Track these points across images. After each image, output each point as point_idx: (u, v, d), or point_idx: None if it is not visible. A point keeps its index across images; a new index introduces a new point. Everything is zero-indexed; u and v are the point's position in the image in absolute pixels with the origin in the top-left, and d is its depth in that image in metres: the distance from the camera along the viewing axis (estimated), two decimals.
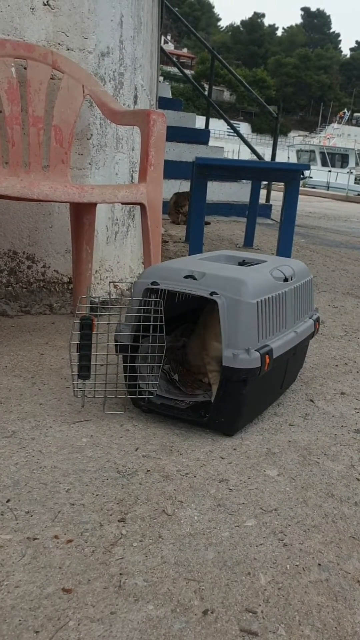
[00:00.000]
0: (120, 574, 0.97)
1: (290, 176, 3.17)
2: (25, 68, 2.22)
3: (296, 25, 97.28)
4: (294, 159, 34.35)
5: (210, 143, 8.58)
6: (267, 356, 1.40)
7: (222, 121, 8.88)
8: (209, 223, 6.41)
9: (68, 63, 2.28)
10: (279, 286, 1.51)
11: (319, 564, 1.04)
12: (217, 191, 7.55)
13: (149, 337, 1.48)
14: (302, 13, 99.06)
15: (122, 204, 2.02)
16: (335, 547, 1.09)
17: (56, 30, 2.36)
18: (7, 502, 1.14)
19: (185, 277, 1.44)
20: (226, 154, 30.68)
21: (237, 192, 7.64)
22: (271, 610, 0.92)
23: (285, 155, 38.14)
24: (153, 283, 1.45)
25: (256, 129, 54.42)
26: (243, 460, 1.38)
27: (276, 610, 0.92)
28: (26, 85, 2.21)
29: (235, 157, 30.52)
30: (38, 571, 0.96)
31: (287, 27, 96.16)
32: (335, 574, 1.02)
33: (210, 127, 9.06)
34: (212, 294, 1.38)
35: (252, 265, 1.62)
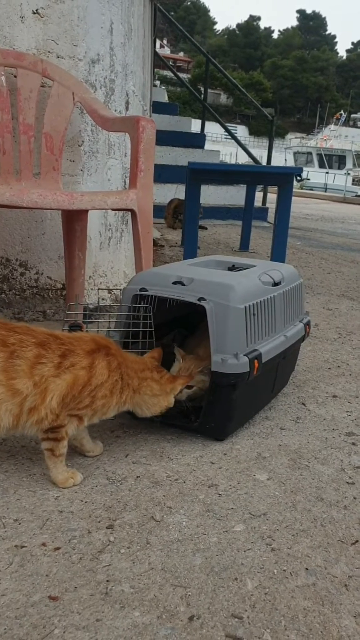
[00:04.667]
0: (107, 580, 0.98)
1: (283, 180, 3.18)
2: (15, 76, 2.23)
3: (292, 27, 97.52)
4: (291, 161, 34.40)
5: (208, 146, 8.61)
6: (256, 361, 1.40)
7: (217, 125, 8.91)
8: (205, 228, 6.42)
9: (58, 71, 2.29)
10: (267, 291, 1.52)
11: (307, 569, 1.04)
12: (214, 195, 7.56)
13: (138, 343, 1.48)
14: (298, 15, 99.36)
15: (113, 210, 2.02)
16: (323, 551, 1.09)
17: (46, 38, 2.36)
18: None
19: (174, 283, 1.44)
20: (224, 157, 30.72)
21: (233, 195, 7.65)
22: (257, 615, 0.92)
23: (282, 157, 38.19)
24: (142, 289, 1.46)
25: (253, 132, 54.53)
26: (233, 465, 1.38)
27: (262, 616, 0.92)
28: (16, 93, 2.22)
29: (233, 160, 30.58)
30: (25, 579, 0.96)
31: (283, 30, 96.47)
32: (322, 578, 1.02)
33: (207, 130, 9.09)
34: (200, 299, 1.38)
35: (242, 270, 1.63)
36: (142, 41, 3.94)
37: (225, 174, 3.49)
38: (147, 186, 2.00)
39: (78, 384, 1.17)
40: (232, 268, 1.67)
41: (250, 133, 53.87)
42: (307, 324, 1.79)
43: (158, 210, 6.54)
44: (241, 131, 52.49)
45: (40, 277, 2.53)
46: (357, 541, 1.12)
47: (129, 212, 2.02)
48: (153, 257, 4.26)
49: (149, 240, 2.01)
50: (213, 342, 1.37)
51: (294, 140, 47.48)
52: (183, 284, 1.43)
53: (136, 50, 3.32)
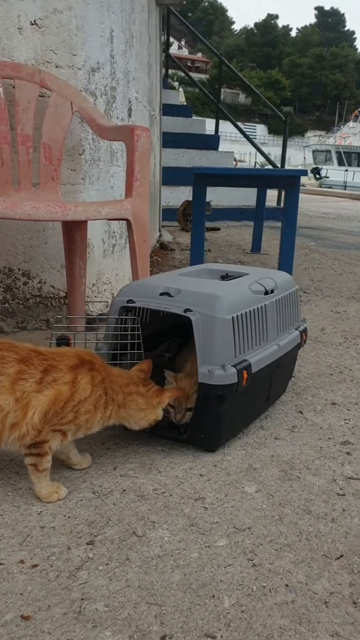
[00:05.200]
0: (82, 599, 0.97)
1: (289, 182, 3.15)
2: (13, 87, 2.24)
3: (310, 25, 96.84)
4: (310, 160, 34.16)
5: (227, 146, 8.58)
6: (245, 371, 1.39)
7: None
8: (218, 229, 6.40)
9: (56, 81, 2.30)
10: (257, 300, 1.50)
11: (287, 585, 1.02)
12: (228, 196, 7.53)
13: (127, 355, 1.47)
14: (316, 12, 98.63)
15: (108, 220, 2.02)
16: (306, 566, 1.07)
17: (44, 48, 2.38)
18: None
19: (161, 294, 1.44)
20: (242, 157, 30.65)
21: (248, 196, 7.60)
22: (231, 634, 0.91)
23: (301, 156, 37.94)
24: (129, 301, 1.45)
25: (273, 131, 54.17)
26: (222, 477, 1.37)
27: (236, 635, 0.91)
28: (14, 104, 2.23)
29: (252, 160, 30.46)
30: None
31: (302, 27, 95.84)
32: (302, 595, 1.00)
33: (225, 130, 9.07)
34: (186, 310, 1.37)
35: (233, 279, 1.61)
36: (148, 46, 3.94)
37: (230, 178, 3.47)
38: (143, 195, 2.00)
39: (60, 399, 1.17)
40: (225, 277, 1.66)
41: (270, 132, 53.56)
42: (304, 332, 1.76)
43: (171, 214, 6.54)
44: (260, 130, 52.29)
45: (44, 286, 2.54)
46: (342, 555, 1.10)
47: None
48: (163, 261, 4.26)
49: (145, 249, 2.00)
50: (199, 354, 1.36)
51: (312, 138, 47.12)
52: (170, 295, 1.42)
53: (139, 57, 3.33)
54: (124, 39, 2.86)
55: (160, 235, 5.37)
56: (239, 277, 1.62)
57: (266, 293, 1.56)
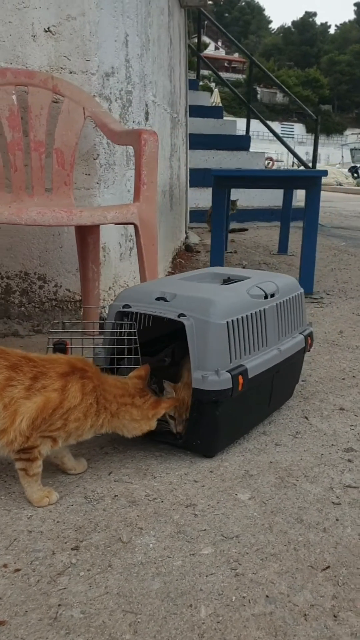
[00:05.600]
0: (59, 605, 0.97)
1: (310, 183, 3.11)
2: (27, 93, 2.27)
3: (349, 21, 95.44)
4: (348, 158, 33.63)
5: (263, 146, 8.54)
6: (240, 376, 1.37)
7: (273, 123, 8.82)
8: (246, 230, 6.36)
9: (68, 86, 2.32)
10: (256, 304, 1.48)
11: (267, 596, 1.00)
12: (258, 197, 7.48)
13: (124, 360, 1.47)
14: (355, 8, 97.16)
15: (115, 224, 2.03)
16: (289, 577, 1.05)
17: (58, 55, 2.40)
18: None
19: (157, 299, 1.43)
20: (279, 157, 30.38)
21: (278, 197, 7.52)
22: None
23: (339, 154, 37.37)
24: (125, 306, 1.45)
25: (310, 129, 53.61)
26: (217, 483, 1.35)
27: None
28: (27, 111, 2.26)
29: (289, 159, 30.15)
30: None
31: (340, 24, 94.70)
32: (282, 606, 0.98)
33: (258, 130, 9.01)
34: (180, 315, 1.36)
35: (235, 282, 1.60)
36: (169, 49, 3.94)
37: (250, 180, 3.44)
38: (151, 199, 2.00)
39: (49, 406, 1.18)
40: (227, 281, 1.64)
41: (308, 131, 52.98)
42: (309, 336, 1.74)
43: (200, 215, 6.54)
44: (298, 129, 51.76)
45: (59, 290, 2.56)
46: (328, 567, 1.08)
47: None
48: (186, 263, 4.26)
49: (153, 252, 2.00)
50: (193, 359, 1.35)
51: (351, 136, 46.42)
52: (166, 300, 1.42)
53: (157, 60, 3.33)
54: (140, 43, 2.87)
55: (186, 237, 5.37)
56: (239, 281, 1.61)
57: (266, 297, 1.54)
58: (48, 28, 2.37)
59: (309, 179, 3.13)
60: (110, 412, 1.28)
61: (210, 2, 5.16)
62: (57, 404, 1.19)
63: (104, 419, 1.27)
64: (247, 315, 1.43)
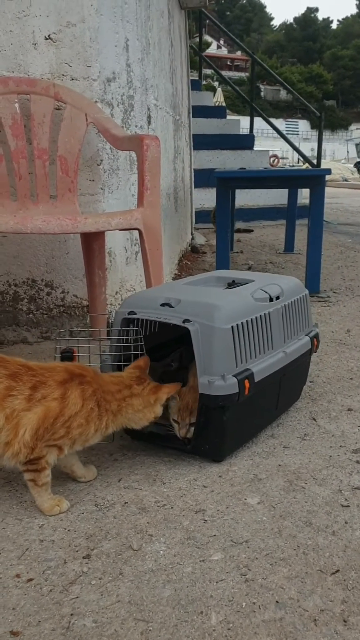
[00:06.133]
0: (72, 614, 0.98)
1: (314, 182, 3.11)
2: (29, 101, 2.28)
3: (351, 15, 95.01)
4: (353, 153, 33.51)
5: (268, 143, 8.54)
6: (246, 381, 1.37)
7: (278, 121, 8.81)
8: (251, 230, 6.36)
9: (70, 93, 2.33)
10: (260, 307, 1.49)
11: (277, 601, 1.01)
12: (264, 196, 7.48)
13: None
14: (357, 2, 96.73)
15: (119, 230, 2.04)
16: (299, 582, 1.06)
17: (59, 61, 2.41)
18: None
19: (162, 304, 1.44)
20: (284, 154, 30.31)
21: (283, 195, 7.51)
22: None
23: (345, 149, 37.23)
24: (130, 313, 1.46)
25: (315, 125, 53.43)
26: (226, 488, 1.36)
27: None
28: (30, 118, 2.27)
29: (294, 156, 30.08)
30: None
31: (342, 19, 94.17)
32: (292, 612, 0.99)
33: (266, 128, 8.97)
34: (185, 321, 1.37)
35: (239, 286, 1.60)
36: (169, 52, 3.95)
37: (254, 180, 3.44)
38: (154, 204, 2.01)
39: (50, 416, 1.19)
40: (232, 284, 1.65)
41: (312, 127, 52.83)
42: (315, 337, 1.74)
43: (205, 216, 6.54)
44: (303, 126, 51.59)
45: (67, 296, 2.57)
46: (337, 570, 1.08)
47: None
48: (193, 265, 4.26)
49: (158, 257, 2.01)
50: (199, 364, 1.36)
51: (355, 131, 46.23)
52: (170, 306, 1.42)
53: (158, 63, 3.34)
54: (141, 47, 2.88)
55: (192, 238, 5.37)
56: (244, 284, 1.61)
57: (271, 300, 1.54)
58: (49, 35, 2.38)
59: (313, 178, 3.13)
60: (112, 411, 1.29)
61: (211, 2, 5.15)
62: (58, 412, 1.20)
63: (107, 420, 1.28)
64: (252, 319, 1.44)
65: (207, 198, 6.88)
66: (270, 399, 1.57)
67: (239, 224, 6.06)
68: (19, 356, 1.29)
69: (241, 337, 1.40)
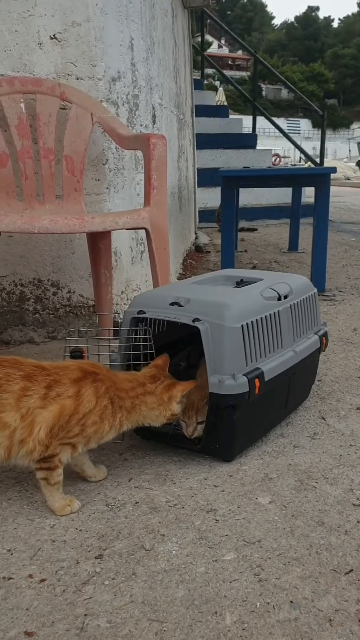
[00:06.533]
0: (85, 614, 0.98)
1: (319, 180, 3.10)
2: (34, 101, 2.28)
3: (352, 14, 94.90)
4: (355, 152, 33.48)
5: (270, 142, 8.54)
6: (256, 380, 1.37)
7: (279, 120, 8.81)
8: (255, 229, 6.35)
9: (76, 93, 2.33)
10: (270, 306, 1.48)
11: (291, 601, 1.00)
12: (266, 194, 7.47)
13: (141, 366, 1.48)
14: (359, 1, 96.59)
15: (126, 229, 2.04)
16: (313, 581, 1.05)
17: (64, 61, 2.41)
18: None
19: (171, 304, 1.43)
20: (286, 153, 30.29)
21: (287, 194, 7.50)
22: None
23: (347, 148, 37.20)
24: (139, 312, 1.45)
25: (317, 124, 53.41)
26: (237, 487, 1.35)
27: None
28: (36, 118, 2.27)
29: (296, 155, 30.07)
30: (5, 613, 0.98)
31: (343, 17, 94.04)
32: (306, 612, 0.98)
33: (267, 127, 8.96)
34: (194, 320, 1.36)
35: (248, 285, 1.60)
36: (173, 51, 3.95)
37: (259, 179, 3.44)
38: (161, 203, 2.00)
39: (65, 413, 1.19)
40: (240, 283, 1.64)
41: (314, 126, 52.79)
42: (324, 336, 1.73)
43: (209, 215, 6.53)
44: (304, 125, 51.56)
45: (73, 296, 2.57)
46: (351, 570, 1.08)
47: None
48: (197, 264, 4.26)
49: (165, 256, 2.01)
50: (209, 363, 1.35)
51: (357, 130, 46.18)
52: (180, 305, 1.42)
53: (162, 63, 3.33)
54: (145, 46, 2.87)
55: (196, 238, 5.37)
56: (252, 283, 1.60)
57: (279, 299, 1.54)
58: (54, 35, 2.37)
59: (318, 176, 3.13)
60: (126, 409, 1.28)
61: (213, 1, 5.15)
62: (73, 410, 1.20)
63: (120, 417, 1.28)
64: (261, 318, 1.43)
65: (210, 197, 6.88)
66: (279, 398, 1.57)
67: (242, 223, 6.06)
68: (25, 356, 1.29)
69: (251, 336, 1.39)
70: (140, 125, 2.83)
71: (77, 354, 1.44)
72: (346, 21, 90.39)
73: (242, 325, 1.37)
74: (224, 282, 1.69)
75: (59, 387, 1.20)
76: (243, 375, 1.36)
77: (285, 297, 1.56)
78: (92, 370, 1.26)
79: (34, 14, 2.33)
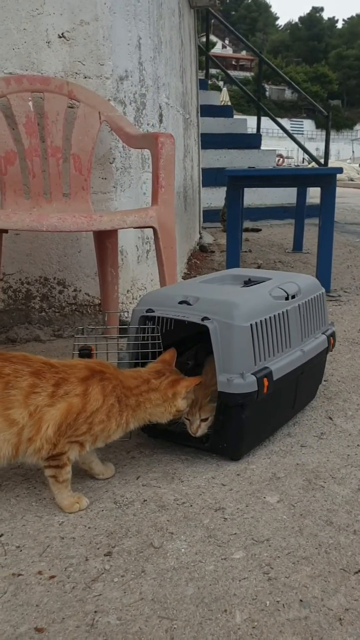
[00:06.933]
0: (95, 611, 0.98)
1: (325, 181, 3.10)
2: (42, 99, 2.28)
3: (357, 15, 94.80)
4: (358, 153, 33.48)
5: (273, 143, 8.54)
6: (265, 379, 1.37)
7: (283, 120, 8.81)
8: (260, 229, 6.35)
9: (84, 91, 2.33)
10: (278, 305, 1.48)
11: (301, 600, 1.00)
12: (270, 195, 7.47)
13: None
14: None
15: (133, 228, 2.04)
16: (322, 580, 1.05)
17: (72, 60, 2.41)
18: (0, 536, 1.18)
19: (180, 302, 1.44)
20: (289, 153, 30.30)
21: (291, 194, 7.51)
22: None
23: (350, 149, 37.20)
24: (148, 310, 1.46)
25: (320, 125, 53.37)
26: (244, 486, 1.36)
27: None
28: (44, 117, 2.27)
29: (299, 156, 30.07)
30: (15, 609, 0.98)
31: (348, 18, 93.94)
32: (316, 611, 0.98)
33: (271, 127, 8.96)
34: (203, 319, 1.37)
35: (256, 284, 1.60)
36: (180, 50, 3.95)
37: (265, 179, 3.44)
38: (168, 202, 2.00)
39: (72, 411, 1.19)
40: (248, 282, 1.64)
41: (317, 126, 52.77)
42: (332, 336, 1.73)
43: (213, 215, 6.53)
44: (308, 125, 51.55)
45: (78, 294, 2.58)
46: None
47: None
48: (202, 264, 4.26)
49: (172, 255, 2.01)
50: (218, 362, 1.35)
51: None
52: (189, 304, 1.42)
53: (169, 62, 3.33)
54: (152, 46, 2.87)
55: (200, 238, 5.37)
56: (261, 282, 1.61)
57: (288, 298, 1.54)
58: (62, 34, 2.38)
59: (325, 177, 3.13)
60: (131, 407, 1.28)
61: (218, 1, 5.15)
62: (80, 408, 1.20)
63: (127, 415, 1.27)
64: (270, 317, 1.43)
65: (214, 197, 6.88)
66: (287, 397, 1.57)
67: (246, 223, 6.06)
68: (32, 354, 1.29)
69: (260, 335, 1.39)
70: (147, 125, 2.83)
71: (85, 352, 1.44)
72: (350, 22, 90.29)
73: (251, 325, 1.37)
74: (232, 282, 1.69)
75: (67, 385, 1.20)
76: (252, 374, 1.36)
77: (294, 296, 1.56)
78: (99, 369, 1.26)
79: (42, 12, 2.33)
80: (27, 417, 1.15)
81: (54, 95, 2.29)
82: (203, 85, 8.24)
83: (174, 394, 1.32)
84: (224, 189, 6.87)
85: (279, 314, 1.46)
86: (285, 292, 1.54)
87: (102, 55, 2.44)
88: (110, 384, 1.25)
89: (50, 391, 1.18)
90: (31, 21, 2.33)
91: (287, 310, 1.50)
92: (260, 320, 1.39)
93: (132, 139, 2.22)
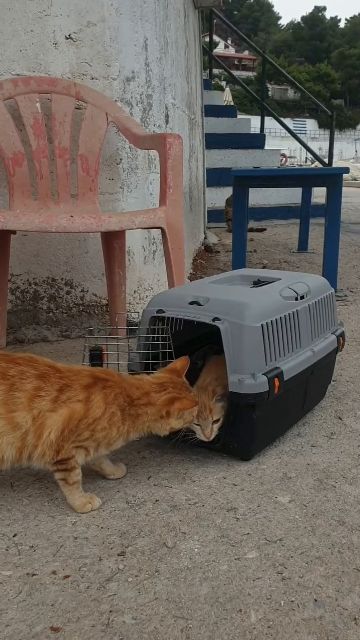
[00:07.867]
0: (110, 611, 0.98)
1: (331, 180, 3.10)
2: (50, 100, 2.29)
3: (359, 14, 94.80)
4: None
5: (276, 142, 8.54)
6: (276, 379, 1.37)
7: (285, 120, 8.81)
8: (264, 229, 6.35)
9: (91, 92, 2.34)
10: (288, 306, 1.48)
11: (316, 600, 1.01)
12: (275, 195, 7.47)
13: (159, 365, 1.48)
14: None
15: (142, 229, 2.04)
16: (336, 580, 1.05)
17: (79, 61, 2.42)
18: (13, 536, 1.18)
19: (190, 303, 1.44)
20: (292, 153, 30.26)
21: (295, 194, 7.51)
22: None
23: (353, 148, 37.16)
24: (159, 311, 1.46)
25: (323, 125, 53.29)
26: (256, 486, 1.36)
27: None
28: (51, 118, 2.28)
29: (302, 155, 30.05)
30: (31, 609, 0.99)
31: (350, 18, 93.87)
32: (331, 610, 0.98)
33: (274, 127, 8.98)
34: (214, 319, 1.37)
35: (266, 284, 1.60)
36: (185, 51, 3.95)
37: (271, 179, 3.44)
38: (177, 202, 2.01)
39: (75, 417, 1.18)
40: (257, 283, 1.65)
41: (320, 126, 52.71)
42: (341, 336, 1.73)
43: (217, 215, 6.53)
44: (310, 125, 51.47)
45: (86, 295, 2.58)
46: None
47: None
48: (207, 264, 4.26)
49: (180, 256, 2.01)
50: (229, 362, 1.36)
51: None
52: (199, 304, 1.43)
53: (175, 63, 3.34)
54: (159, 46, 2.88)
55: (205, 238, 5.37)
56: (271, 282, 1.61)
57: (298, 298, 1.54)
58: (69, 35, 2.38)
59: (330, 176, 3.13)
60: (132, 417, 1.27)
61: (222, 1, 5.16)
62: (82, 414, 1.19)
63: (128, 425, 1.27)
64: (280, 317, 1.44)
65: (218, 197, 6.88)
66: (297, 397, 1.57)
67: (251, 223, 6.06)
68: (39, 355, 1.29)
69: (271, 335, 1.39)
70: (154, 125, 2.83)
71: (96, 352, 1.45)
72: (353, 21, 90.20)
73: (262, 325, 1.37)
74: (241, 282, 1.70)
75: (70, 391, 1.20)
76: (263, 374, 1.36)
77: (303, 297, 1.56)
78: (102, 377, 1.25)
79: (49, 14, 2.34)
80: (30, 422, 1.15)
81: (61, 97, 2.30)
82: (206, 85, 8.25)
83: (168, 413, 1.29)
84: (228, 189, 6.90)
85: (289, 314, 1.47)
86: (295, 292, 1.54)
87: (109, 57, 2.44)
88: (113, 392, 1.24)
89: (54, 396, 1.18)
90: (38, 23, 2.34)
91: (297, 311, 1.50)
92: (271, 321, 1.40)
93: (139, 140, 2.23)
